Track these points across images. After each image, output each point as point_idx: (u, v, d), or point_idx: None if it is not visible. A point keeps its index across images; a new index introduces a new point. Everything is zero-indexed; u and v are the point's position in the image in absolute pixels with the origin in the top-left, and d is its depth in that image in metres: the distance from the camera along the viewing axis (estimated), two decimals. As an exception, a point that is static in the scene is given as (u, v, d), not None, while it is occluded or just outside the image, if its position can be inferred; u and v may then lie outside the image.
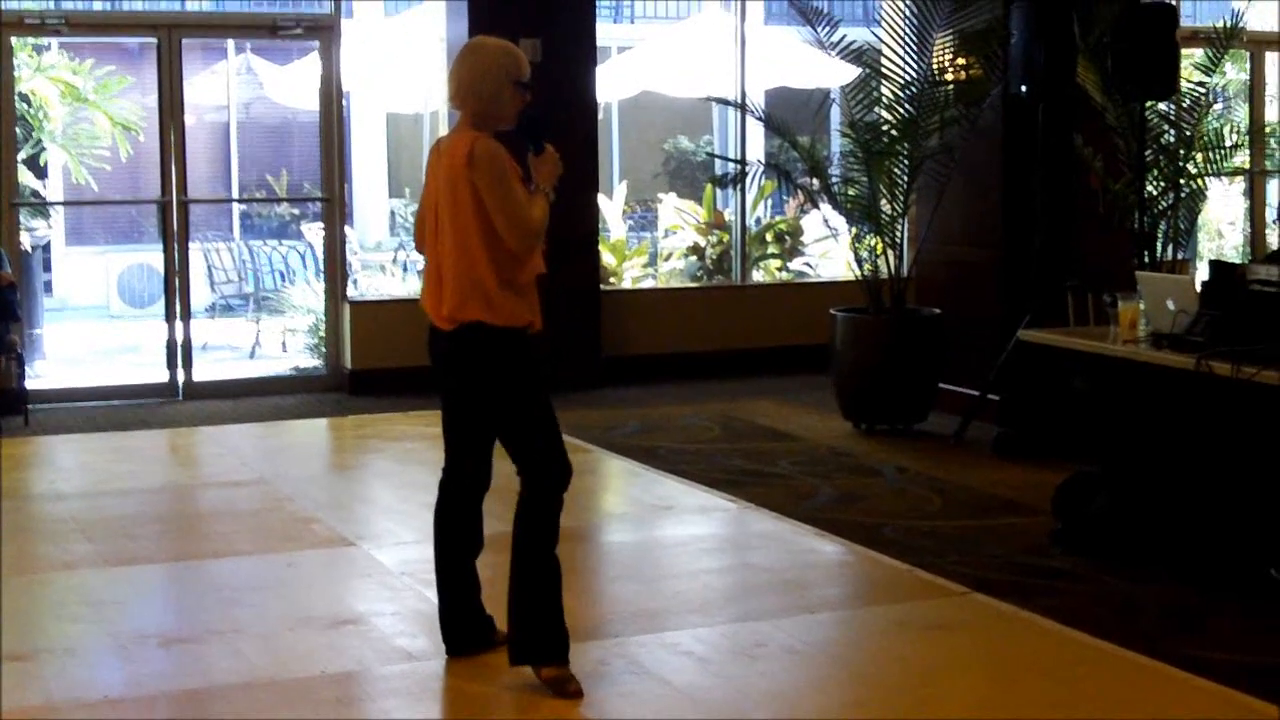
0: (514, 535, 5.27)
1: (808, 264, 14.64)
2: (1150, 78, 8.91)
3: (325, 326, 11.77)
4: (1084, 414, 7.52)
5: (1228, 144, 10.52)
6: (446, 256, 5.25)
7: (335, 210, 11.60)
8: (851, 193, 10.14)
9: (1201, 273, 12.16)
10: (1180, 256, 10.45)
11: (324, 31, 11.54)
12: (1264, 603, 6.08)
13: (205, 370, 11.80)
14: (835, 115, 13.44)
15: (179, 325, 11.24)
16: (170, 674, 5.52)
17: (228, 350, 13.93)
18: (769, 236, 14.68)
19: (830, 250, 14.30)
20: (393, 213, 18.44)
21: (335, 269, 11.67)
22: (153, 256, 14.16)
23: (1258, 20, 13.63)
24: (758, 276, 13.89)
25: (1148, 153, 9.46)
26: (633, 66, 15.85)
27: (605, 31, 13.81)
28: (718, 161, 13.84)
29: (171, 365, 11.27)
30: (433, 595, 6.04)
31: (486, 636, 5.55)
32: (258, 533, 7.49)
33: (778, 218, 15.56)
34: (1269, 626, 5.88)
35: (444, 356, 5.35)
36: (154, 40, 11.31)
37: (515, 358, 5.24)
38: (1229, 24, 10.45)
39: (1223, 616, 6.02)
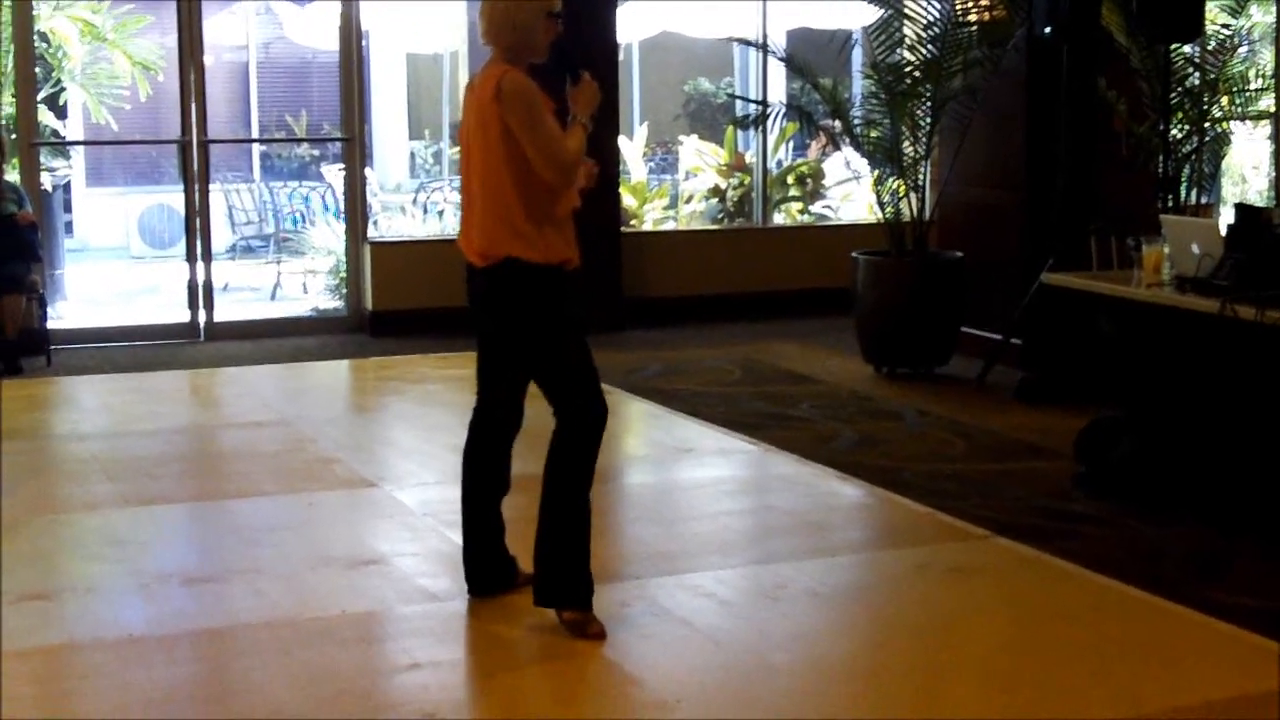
0: (545, 476, 5.24)
1: (829, 207, 14.59)
2: (1175, 20, 8.81)
3: (346, 267, 11.76)
4: (1107, 358, 7.49)
5: (1253, 87, 10.43)
6: (479, 193, 5.21)
7: (355, 151, 11.57)
8: (874, 135, 10.08)
9: (1226, 217, 12.09)
10: (1204, 201, 10.38)
11: (344, -29, 11.49)
12: (1285, 547, 6.07)
13: (226, 311, 11.80)
14: (857, 56, 13.34)
15: (200, 266, 11.24)
16: (192, 613, 5.54)
17: (249, 291, 13.95)
18: (790, 179, 14.62)
19: (852, 193, 14.25)
20: (413, 154, 18.40)
21: (355, 210, 11.64)
22: (173, 197, 14.15)
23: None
24: (779, 219, 13.85)
25: (1172, 96, 9.38)
26: (653, 7, 15.75)
27: (626, -28, 13.71)
28: (739, 103, 13.78)
29: (193, 306, 11.28)
30: (455, 536, 6.06)
31: (509, 577, 5.56)
32: (279, 473, 7.51)
33: (799, 160, 15.50)
34: (1290, 571, 5.87)
35: (479, 294, 5.29)
36: (173, -22, 11.26)
37: (551, 295, 5.18)
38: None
39: (1246, 561, 6.00)
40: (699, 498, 7.24)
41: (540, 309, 5.18)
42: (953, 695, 4.80)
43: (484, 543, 5.55)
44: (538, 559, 5.27)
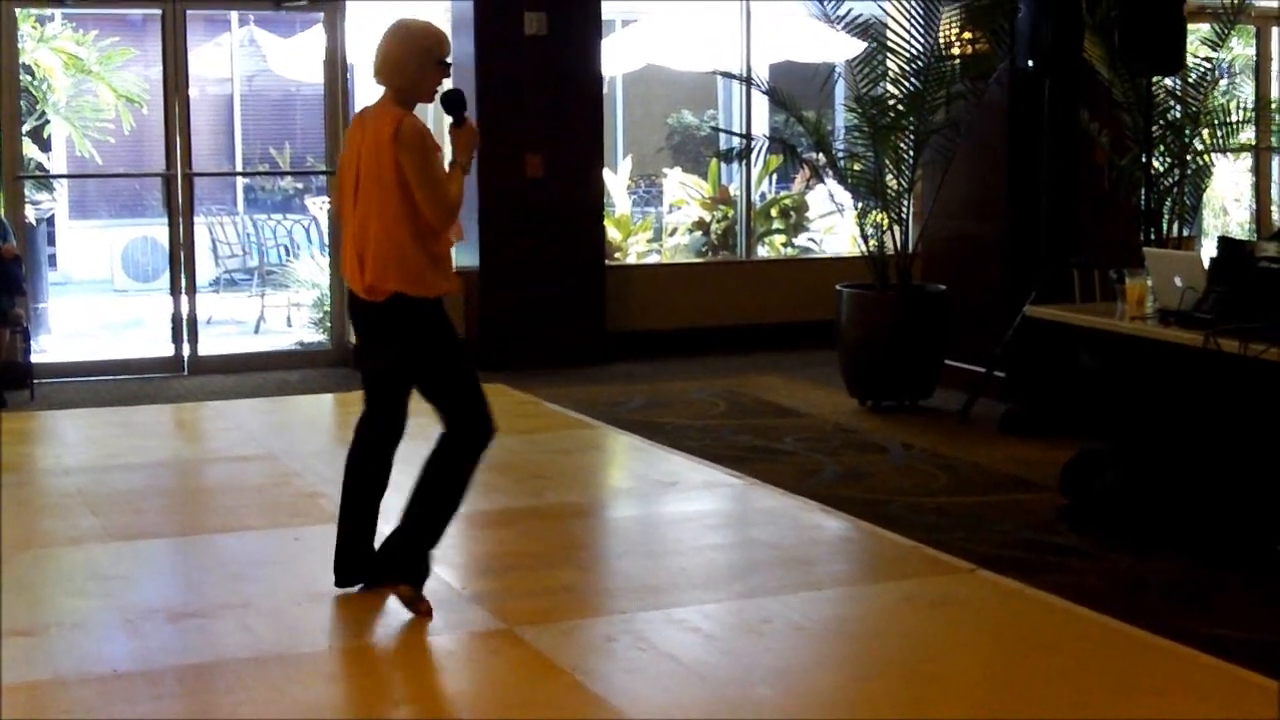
0: (424, 474, 5.73)
1: (813, 239, 14.63)
2: (1156, 52, 8.88)
3: (330, 301, 11.76)
4: (1091, 391, 7.52)
5: (1234, 120, 10.50)
6: (368, 228, 5.54)
7: (340, 184, 11.57)
8: (857, 168, 10.12)
9: (1207, 249, 12.15)
10: (1186, 233, 10.44)
11: (328, 3, 11.52)
12: (1270, 579, 6.08)
13: (210, 345, 11.80)
14: (841, 90, 13.39)
15: (184, 299, 11.24)
16: (178, 648, 5.52)
17: (232, 325, 13.94)
18: (774, 212, 14.66)
19: (836, 226, 14.29)
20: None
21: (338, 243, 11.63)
22: (157, 230, 14.17)
23: (1265, -5, 13.60)
24: (763, 252, 13.88)
25: (1154, 128, 9.44)
26: (638, 40, 15.79)
27: (610, 5, 13.73)
28: (723, 136, 13.82)
29: (176, 340, 11.28)
30: (442, 570, 6.07)
31: (375, 573, 5.91)
32: (265, 507, 7.49)
33: (783, 193, 15.53)
34: (1275, 603, 5.88)
35: (368, 324, 5.73)
36: (158, 11, 11.27)
37: (436, 325, 5.62)
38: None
39: (1229, 593, 6.02)
40: (684, 531, 7.24)
41: (426, 337, 5.63)
42: (939, 729, 4.81)
43: (356, 539, 5.95)
44: (392, 541, 5.78)
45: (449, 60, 5.67)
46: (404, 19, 5.68)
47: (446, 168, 5.58)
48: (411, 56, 5.56)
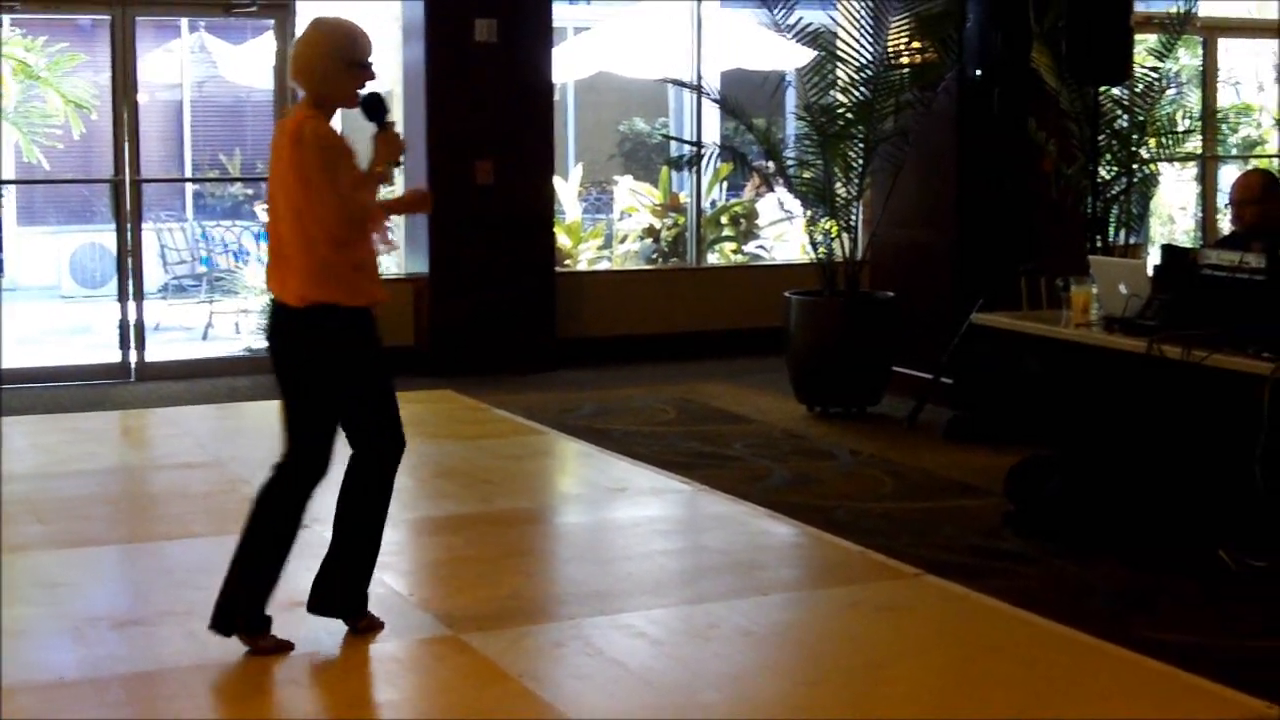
0: (342, 505, 5.55)
1: (763, 247, 14.67)
2: (1103, 62, 8.94)
3: (279, 307, 11.70)
4: (1037, 397, 7.57)
5: (1180, 129, 10.59)
6: (286, 235, 5.27)
7: (289, 190, 11.54)
8: (807, 176, 10.15)
9: (1154, 257, 12.24)
10: (1133, 241, 10.52)
11: (278, 9, 11.49)
12: (1213, 584, 6.12)
13: (158, 351, 11.76)
14: (792, 97, 13.44)
15: (131, 306, 11.18)
16: (123, 656, 5.49)
17: (180, 331, 13.87)
18: (724, 219, 14.70)
19: (785, 233, 14.34)
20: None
21: (289, 250, 11.60)
22: (105, 236, 14.08)
23: (1211, 6, 13.71)
24: (713, 259, 13.91)
25: (1101, 137, 9.51)
26: (589, 47, 15.83)
27: (561, 12, 13.78)
28: (673, 143, 13.86)
29: (124, 346, 11.22)
30: (388, 577, 6.07)
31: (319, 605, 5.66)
32: (211, 514, 7.46)
33: (733, 200, 15.58)
34: (1215, 607, 5.92)
35: (289, 335, 5.38)
36: (107, 17, 11.22)
37: (362, 336, 5.34)
38: (1182, 9, 10.50)
39: (1173, 598, 6.05)
40: (632, 537, 7.25)
41: (350, 348, 5.33)
42: (884, 733, 4.83)
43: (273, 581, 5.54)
44: (330, 575, 5.57)
45: (366, 62, 5.30)
46: (319, 18, 5.36)
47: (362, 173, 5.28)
48: (321, 58, 5.24)
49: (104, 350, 11.63)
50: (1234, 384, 5.98)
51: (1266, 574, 6.00)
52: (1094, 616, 5.81)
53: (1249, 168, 12.62)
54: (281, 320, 5.41)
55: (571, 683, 5.22)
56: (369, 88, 5.38)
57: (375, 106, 5.35)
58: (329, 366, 5.32)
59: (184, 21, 17.04)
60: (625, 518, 7.67)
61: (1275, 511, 5.87)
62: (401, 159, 5.49)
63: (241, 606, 5.40)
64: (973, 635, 5.79)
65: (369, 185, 5.29)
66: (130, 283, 11.18)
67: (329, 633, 5.68)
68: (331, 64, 5.22)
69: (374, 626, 5.60)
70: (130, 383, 11.09)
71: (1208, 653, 5.41)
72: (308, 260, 5.21)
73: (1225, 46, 14.37)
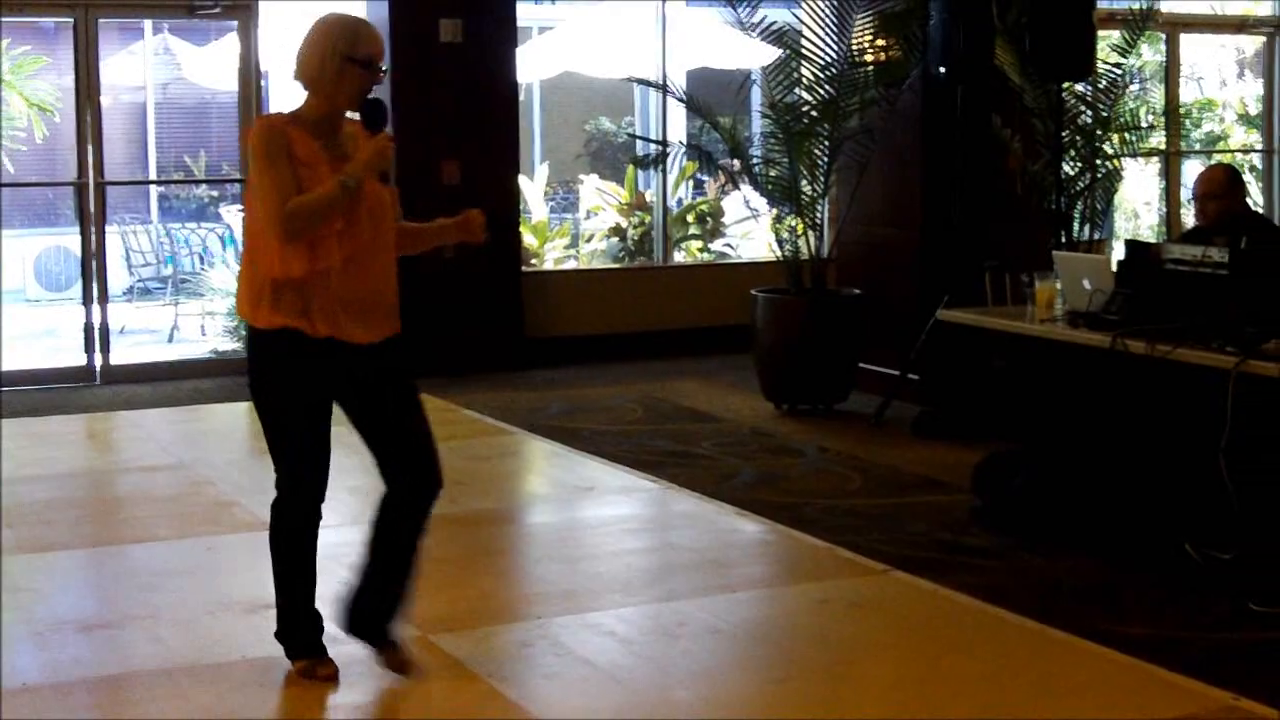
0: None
1: (729, 245, 14.67)
2: (1066, 59, 8.99)
3: (245, 309, 11.66)
4: (1003, 393, 7.59)
5: (1143, 125, 10.63)
6: (246, 246, 5.01)
7: (254, 192, 11.50)
8: (772, 174, 10.16)
9: (1118, 252, 12.28)
10: (1098, 236, 10.55)
11: (242, 11, 11.44)
12: (1177, 577, 6.15)
13: (123, 354, 11.70)
14: (757, 96, 13.44)
15: (96, 309, 11.13)
16: (88, 660, 5.47)
17: (146, 334, 13.80)
18: (690, 217, 14.70)
19: (752, 231, 14.34)
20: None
21: (254, 251, 11.56)
22: (69, 239, 14.00)
23: (1174, 3, 13.77)
24: (679, 257, 13.91)
25: (1064, 133, 9.54)
26: (555, 47, 15.79)
27: (526, 11, 13.73)
28: (639, 142, 13.85)
29: (89, 349, 11.16)
30: (353, 578, 6.03)
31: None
32: (177, 517, 7.43)
33: (699, 199, 15.58)
34: (1181, 600, 5.95)
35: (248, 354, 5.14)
36: (70, 19, 11.17)
37: (277, 364, 4.95)
38: (1144, 6, 10.54)
39: (1137, 591, 6.08)
40: (601, 536, 7.24)
41: (264, 377, 5.03)
42: (852, 729, 4.84)
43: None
44: (354, 595, 5.29)
45: (371, 61, 4.86)
46: (325, 14, 4.95)
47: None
48: (319, 53, 4.83)
49: (69, 354, 11.57)
50: (1198, 378, 6.00)
51: (1231, 567, 6.02)
52: (1061, 611, 5.83)
53: (1212, 163, 12.68)
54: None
55: (540, 682, 5.22)
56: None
57: (374, 112, 4.93)
58: (260, 392, 5.12)
59: (148, 23, 16.95)
60: (594, 517, 7.67)
61: (1240, 505, 5.89)
62: (388, 176, 5.01)
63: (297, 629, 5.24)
64: (940, 631, 5.80)
65: (323, 188, 4.77)
66: (94, 286, 11.12)
67: (296, 635, 5.67)
68: (330, 60, 4.82)
69: (398, 666, 5.18)
70: (95, 386, 11.02)
71: (1174, 645, 5.43)
72: (245, 273, 4.97)
73: (1188, 42, 14.43)
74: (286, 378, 4.96)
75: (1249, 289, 6.11)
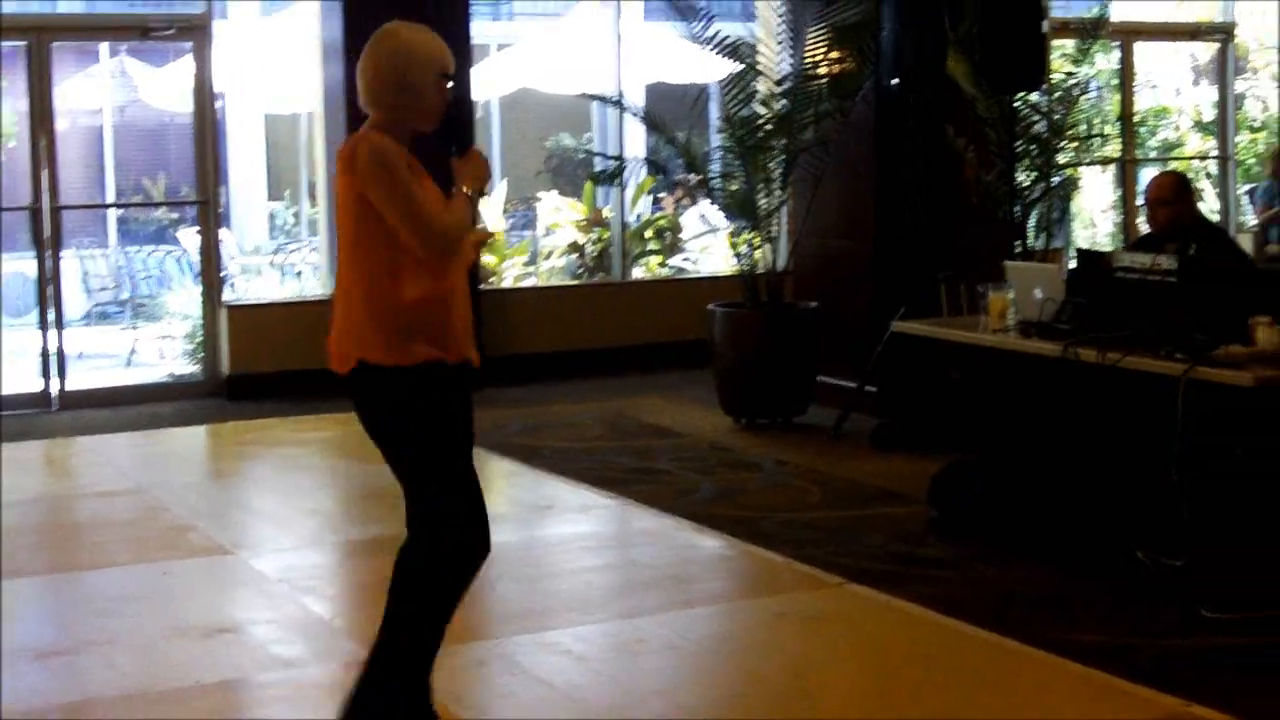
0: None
1: (689, 259, 14.69)
2: (1018, 69, 9.03)
3: (202, 331, 11.64)
4: (959, 403, 7.61)
5: (1096, 134, 10.68)
6: (342, 283, 4.61)
7: (209, 214, 11.49)
8: (730, 188, 10.17)
9: (1074, 261, 12.34)
10: (1055, 245, 10.60)
11: (196, 32, 11.41)
12: (1129, 584, 6.17)
13: (81, 379, 11.64)
14: (716, 109, 13.48)
15: (52, 334, 11.08)
16: (44, 688, 5.45)
17: (104, 358, 13.73)
18: (649, 233, 14.71)
19: (710, 246, 14.36)
20: (272, 215, 18.27)
21: (210, 273, 11.55)
22: (26, 264, 13.93)
23: (1127, 9, 13.86)
24: (638, 273, 13.91)
25: (1018, 143, 9.58)
26: (512, 64, 15.82)
27: (484, 29, 13.79)
28: (596, 158, 13.87)
29: (45, 375, 11.11)
30: (310, 602, 6.08)
31: None
32: (134, 542, 7.41)
33: (657, 214, 15.60)
34: (1133, 607, 5.97)
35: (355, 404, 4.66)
36: (23, 43, 11.12)
37: (426, 399, 4.59)
38: (1096, 14, 10.60)
39: (1090, 599, 6.10)
40: (559, 555, 7.24)
41: (400, 413, 4.61)
42: (807, 744, 4.85)
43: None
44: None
45: (452, 74, 4.67)
46: (390, 26, 4.63)
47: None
48: (407, 68, 4.55)
49: (25, 379, 11.50)
50: (1149, 386, 6.03)
51: (1183, 573, 6.05)
52: (1014, 620, 5.86)
53: (1162, 170, 12.76)
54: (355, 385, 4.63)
55: (495, 702, 5.22)
56: None
57: (464, 128, 4.71)
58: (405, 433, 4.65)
59: (104, 46, 16.90)
60: (553, 535, 7.67)
61: (1190, 511, 5.92)
62: (487, 190, 4.83)
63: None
64: (896, 642, 5.82)
65: (458, 204, 4.60)
66: (51, 311, 11.08)
67: (250, 660, 5.66)
68: (421, 73, 4.55)
69: None
70: (53, 412, 10.97)
71: (1126, 652, 5.46)
72: (353, 311, 4.55)
73: (1142, 50, 14.51)
74: (438, 412, 4.61)
75: (1198, 296, 6.15)
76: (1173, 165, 15.02)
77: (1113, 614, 5.91)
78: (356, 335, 4.55)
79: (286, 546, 7.24)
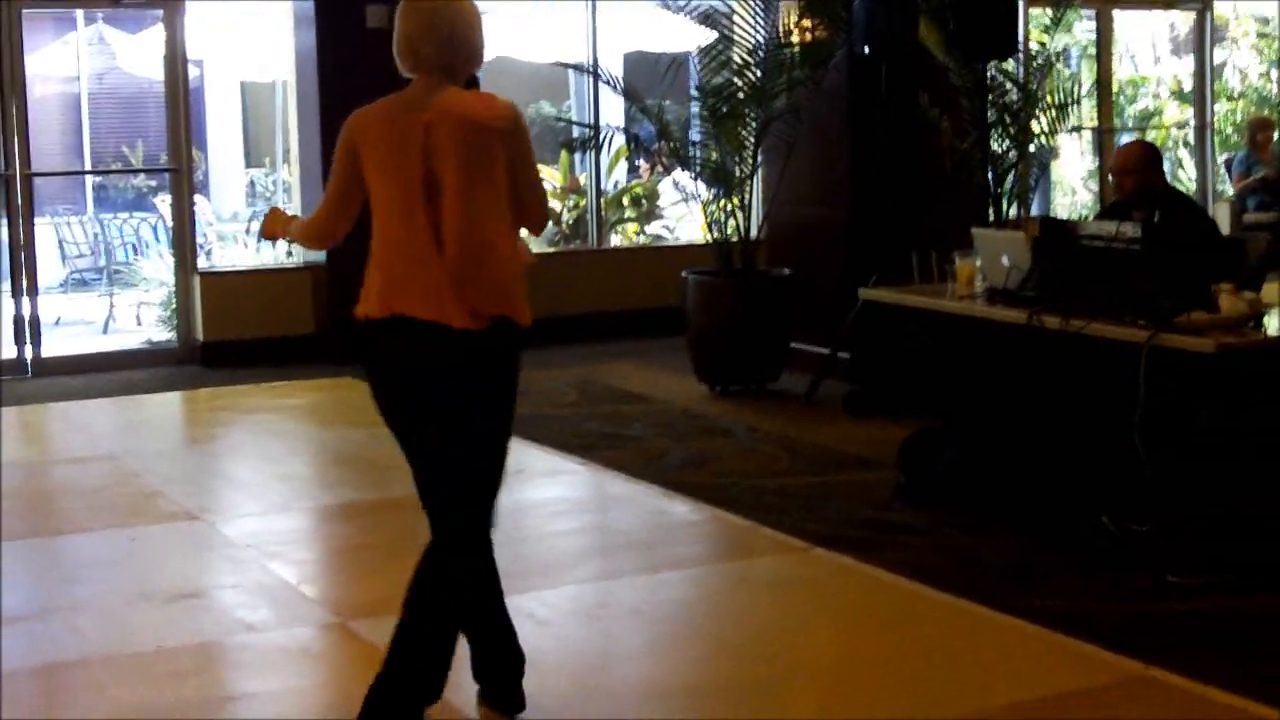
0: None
1: (666, 227, 14.68)
2: (990, 37, 9.00)
3: (176, 299, 11.63)
4: (927, 370, 7.62)
5: (1070, 102, 10.66)
6: (459, 238, 4.31)
7: (183, 181, 11.46)
8: (714, 156, 10.15)
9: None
10: (1032, 214, 10.59)
11: (169, 1, 11.36)
12: (1094, 550, 6.19)
13: (57, 346, 11.61)
14: (694, 77, 13.46)
15: (25, 300, 11.05)
16: (7, 653, 5.43)
17: (81, 325, 13.71)
18: (625, 200, 14.70)
19: (687, 214, 14.35)
20: (252, 182, 18.22)
21: (184, 240, 11.52)
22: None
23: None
24: (615, 240, 13.91)
25: (991, 111, 9.57)
26: (489, 31, 15.73)
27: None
28: (573, 126, 13.83)
29: (19, 342, 11.08)
30: (276, 567, 6.09)
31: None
32: (102, 508, 7.40)
33: (634, 181, 15.58)
34: (1099, 573, 5.98)
35: (460, 363, 4.39)
36: (-8, 11, 11.08)
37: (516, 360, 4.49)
38: (1070, -18, 10.60)
39: (1056, 565, 6.11)
40: (527, 520, 7.22)
41: (516, 374, 4.54)
42: (771, 708, 4.85)
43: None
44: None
45: None
46: None
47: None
48: (475, 11, 4.51)
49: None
50: (1112, 352, 6.04)
51: (1148, 539, 6.07)
52: (981, 586, 5.86)
53: (1132, 138, 12.77)
54: (441, 347, 4.38)
55: (455, 666, 5.20)
56: None
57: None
58: (502, 396, 4.55)
59: (80, 13, 16.82)
60: (522, 500, 7.63)
61: (1155, 477, 5.94)
62: None
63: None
64: (861, 607, 5.84)
65: None
66: (24, 278, 11.05)
67: (213, 624, 5.67)
68: (478, 20, 4.53)
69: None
70: (27, 378, 10.95)
71: (1091, 618, 5.47)
72: (492, 268, 4.38)
73: (1120, 18, 14.50)
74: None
75: (1162, 263, 6.15)
76: (1151, 135, 15.04)
77: (1079, 579, 5.93)
78: (498, 291, 4.36)
79: (254, 512, 7.24)
